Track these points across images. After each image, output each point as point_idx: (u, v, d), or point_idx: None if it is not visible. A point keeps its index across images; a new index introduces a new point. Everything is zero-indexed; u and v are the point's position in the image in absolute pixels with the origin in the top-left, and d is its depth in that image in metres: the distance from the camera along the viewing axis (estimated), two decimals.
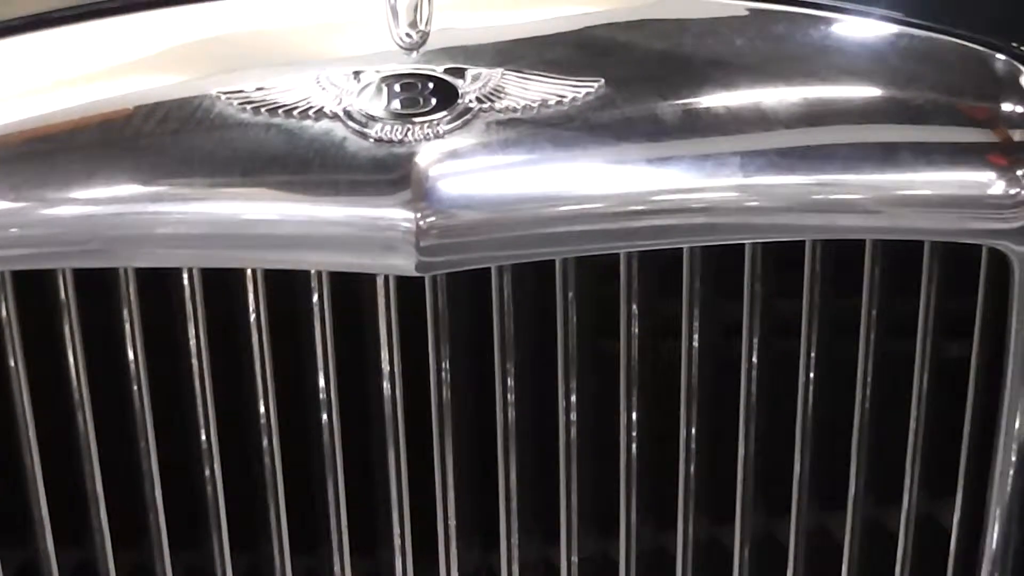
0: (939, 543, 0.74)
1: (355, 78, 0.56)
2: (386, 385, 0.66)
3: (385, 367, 0.65)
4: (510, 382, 0.66)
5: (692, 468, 0.69)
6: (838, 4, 0.66)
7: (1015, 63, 0.62)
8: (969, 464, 0.70)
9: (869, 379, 0.68)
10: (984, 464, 0.71)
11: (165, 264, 0.60)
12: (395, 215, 0.56)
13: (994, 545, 0.70)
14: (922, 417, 0.68)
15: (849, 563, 0.71)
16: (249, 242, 0.59)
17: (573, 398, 0.67)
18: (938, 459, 0.71)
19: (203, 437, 0.67)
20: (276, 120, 0.56)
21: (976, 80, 0.63)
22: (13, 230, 0.57)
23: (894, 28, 0.65)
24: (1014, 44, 0.65)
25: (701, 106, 0.58)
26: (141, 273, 0.62)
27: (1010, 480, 0.69)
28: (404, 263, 0.57)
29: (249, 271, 0.62)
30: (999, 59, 0.63)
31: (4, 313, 0.61)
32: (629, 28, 0.63)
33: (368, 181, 0.56)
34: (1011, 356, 0.64)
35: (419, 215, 0.56)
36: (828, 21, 0.64)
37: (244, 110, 0.57)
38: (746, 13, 0.64)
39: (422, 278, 0.59)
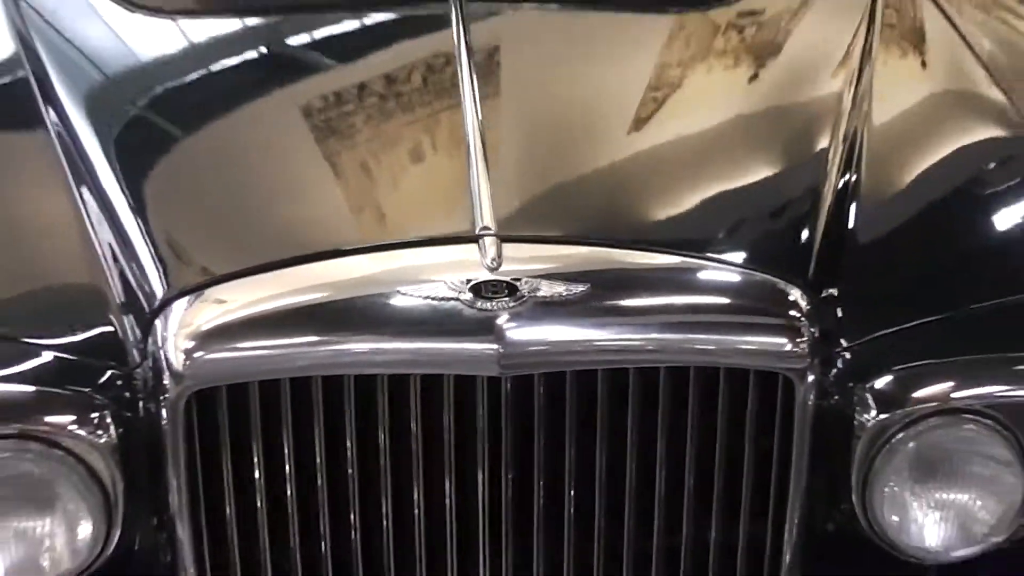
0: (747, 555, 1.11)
1: (467, 282, 1.01)
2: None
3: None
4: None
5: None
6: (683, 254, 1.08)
7: (787, 284, 1.07)
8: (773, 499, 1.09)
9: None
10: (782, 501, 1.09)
11: (366, 372, 0.99)
12: (488, 347, 0.98)
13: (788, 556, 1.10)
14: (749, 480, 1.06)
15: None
16: (412, 359, 1.00)
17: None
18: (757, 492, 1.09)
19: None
20: (430, 304, 0.99)
21: (770, 293, 1.08)
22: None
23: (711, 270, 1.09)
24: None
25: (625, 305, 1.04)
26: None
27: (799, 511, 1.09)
28: (492, 371, 0.98)
29: (413, 387, 1.00)
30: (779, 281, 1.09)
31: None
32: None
33: (474, 330, 0.99)
34: (796, 437, 1.05)
35: (500, 348, 0.98)
36: (684, 269, 1.08)
37: (410, 298, 1.00)
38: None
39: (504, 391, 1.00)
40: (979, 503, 1.07)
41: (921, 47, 1.61)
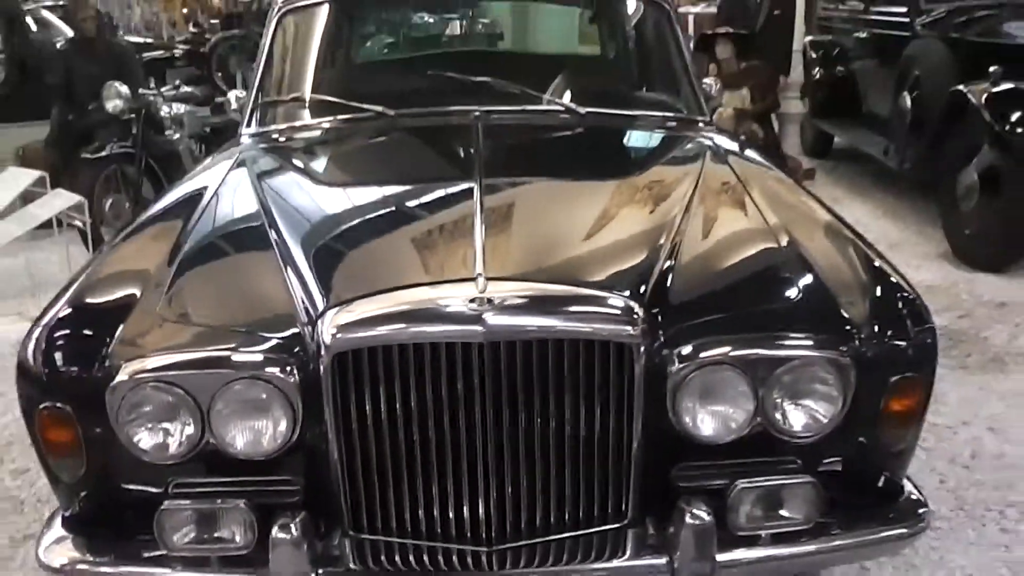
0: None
1: (470, 299, 1.82)
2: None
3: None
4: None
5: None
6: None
7: (631, 300, 1.95)
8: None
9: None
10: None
11: (420, 341, 1.81)
12: (478, 328, 1.77)
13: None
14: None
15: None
16: (444, 336, 1.79)
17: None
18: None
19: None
20: (453, 310, 1.88)
21: (623, 305, 1.95)
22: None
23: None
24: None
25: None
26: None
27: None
28: (479, 339, 1.77)
29: (441, 352, 1.82)
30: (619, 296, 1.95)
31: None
32: None
33: (472, 321, 1.78)
34: (636, 381, 1.87)
35: (482, 328, 1.77)
36: (576, 295, 1.95)
37: (445, 307, 1.87)
38: None
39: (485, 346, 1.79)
40: (731, 412, 1.91)
41: (721, 196, 2.57)
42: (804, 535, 1.96)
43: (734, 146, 3.08)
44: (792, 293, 2.09)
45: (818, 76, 7.80)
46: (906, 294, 2.11)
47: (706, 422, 1.93)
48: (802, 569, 2.15)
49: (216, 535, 1.89)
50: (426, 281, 1.99)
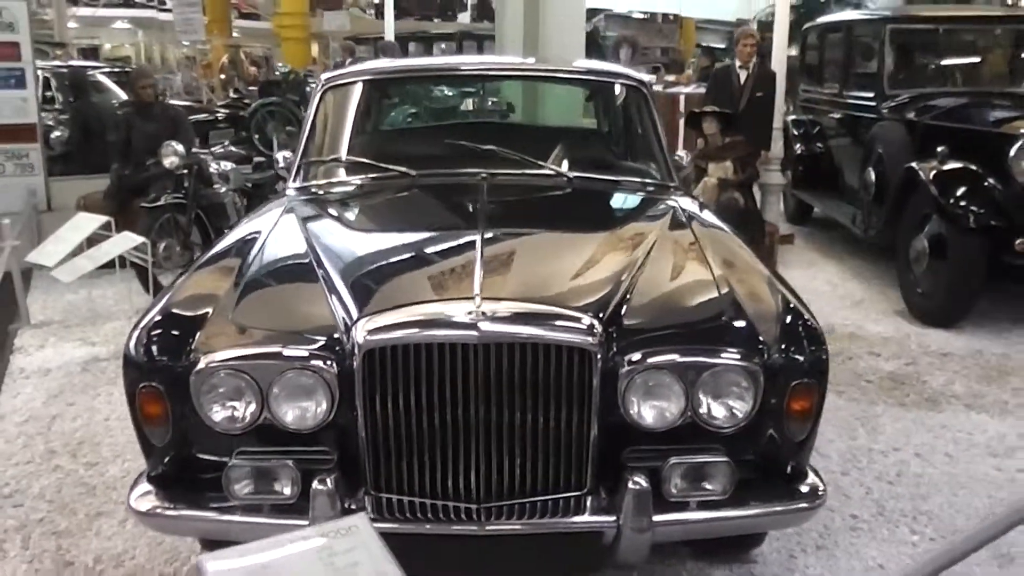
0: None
1: (469, 312, 2.35)
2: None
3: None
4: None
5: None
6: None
7: (594, 318, 2.51)
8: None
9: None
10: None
11: (430, 342, 2.34)
12: (473, 333, 2.28)
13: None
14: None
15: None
16: (447, 339, 2.30)
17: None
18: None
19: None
20: (456, 319, 2.37)
21: (585, 322, 2.49)
22: None
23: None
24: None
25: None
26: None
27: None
28: (475, 342, 2.29)
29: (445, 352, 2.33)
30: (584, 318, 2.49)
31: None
32: None
33: (470, 328, 2.29)
34: (594, 381, 2.36)
35: (477, 334, 2.29)
36: (548, 313, 2.63)
37: (451, 317, 2.37)
38: None
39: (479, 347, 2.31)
40: (667, 406, 2.41)
41: (677, 247, 3.06)
42: (724, 504, 2.45)
43: (695, 208, 3.63)
44: (721, 321, 2.59)
45: (799, 151, 8.39)
46: (808, 323, 2.63)
47: (647, 414, 2.43)
48: (723, 532, 2.64)
49: (270, 488, 2.40)
50: (435, 299, 2.52)
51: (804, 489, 2.58)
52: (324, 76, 4.22)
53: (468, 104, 5.30)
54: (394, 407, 2.41)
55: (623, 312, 2.56)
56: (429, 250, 3.01)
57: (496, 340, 2.35)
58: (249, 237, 3.19)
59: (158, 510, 2.48)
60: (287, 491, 2.39)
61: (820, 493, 2.57)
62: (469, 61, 5.20)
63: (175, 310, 2.68)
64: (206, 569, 1.79)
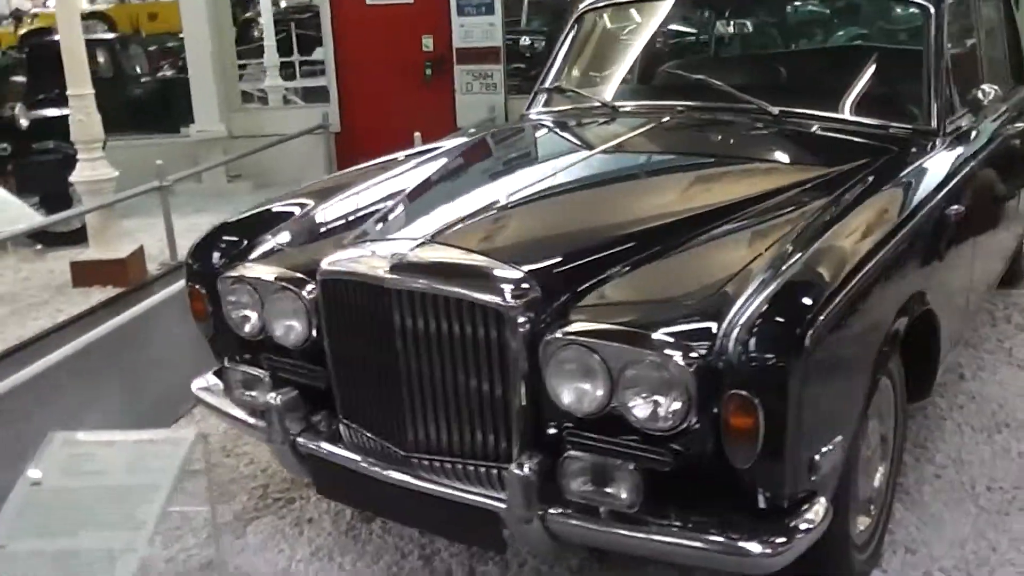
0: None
1: (397, 253, 2.24)
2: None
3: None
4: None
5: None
6: None
7: (526, 276, 2.16)
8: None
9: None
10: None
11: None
12: (391, 277, 2.15)
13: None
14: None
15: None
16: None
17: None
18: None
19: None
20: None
21: (516, 281, 2.16)
22: None
23: None
24: None
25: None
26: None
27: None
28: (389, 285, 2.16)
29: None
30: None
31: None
32: None
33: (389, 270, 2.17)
34: (513, 343, 2.04)
35: (394, 279, 2.16)
36: (487, 265, 2.19)
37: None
38: None
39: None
40: (588, 388, 2.00)
41: (775, 221, 2.46)
42: (630, 519, 2.01)
43: (930, 166, 2.86)
44: (685, 307, 2.06)
45: None
46: (784, 326, 1.96)
47: (567, 393, 2.06)
48: (629, 551, 2.16)
49: (249, 393, 2.59)
50: (399, 238, 2.39)
51: (761, 532, 1.98)
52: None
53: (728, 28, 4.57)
54: (345, 339, 2.38)
55: (586, 278, 2.20)
56: (475, 191, 2.79)
57: (408, 287, 2.20)
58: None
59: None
60: (261, 399, 2.53)
61: (779, 546, 1.96)
62: None
63: None
64: (54, 438, 2.10)
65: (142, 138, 8.38)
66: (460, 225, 2.37)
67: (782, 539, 1.93)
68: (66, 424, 2.52)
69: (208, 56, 8.17)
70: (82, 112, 5.38)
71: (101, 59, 9.60)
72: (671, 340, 1.95)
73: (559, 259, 2.26)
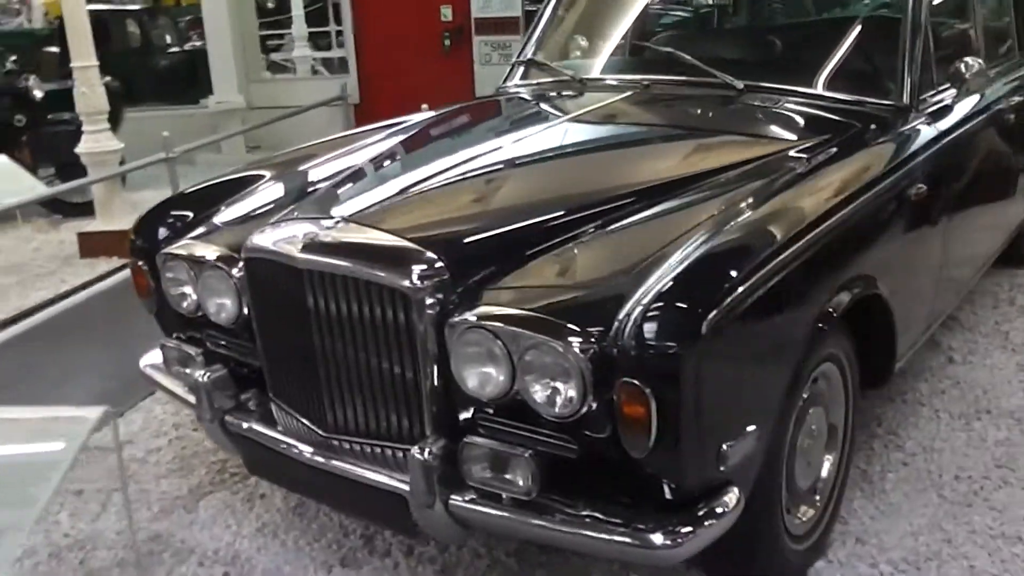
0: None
1: (308, 232, 2.23)
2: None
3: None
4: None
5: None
6: None
7: (432, 260, 2.10)
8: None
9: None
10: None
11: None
12: (301, 256, 2.12)
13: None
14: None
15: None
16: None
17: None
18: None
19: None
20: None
21: (427, 261, 2.10)
22: None
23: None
24: None
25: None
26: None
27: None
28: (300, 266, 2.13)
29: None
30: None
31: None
32: None
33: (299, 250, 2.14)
34: (421, 326, 2.01)
35: (303, 259, 2.13)
36: (404, 246, 2.13)
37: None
38: None
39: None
40: (490, 373, 1.94)
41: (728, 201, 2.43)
42: (530, 506, 1.96)
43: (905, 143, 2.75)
44: (590, 295, 1.99)
45: None
46: (683, 311, 1.87)
47: (471, 378, 2.00)
48: (532, 539, 2.11)
49: (183, 370, 2.58)
50: (319, 216, 2.34)
51: (665, 523, 1.92)
52: None
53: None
54: (269, 319, 2.36)
55: (514, 263, 2.12)
56: (414, 170, 2.68)
57: (319, 269, 2.16)
58: None
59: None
60: (192, 377, 2.53)
61: (682, 536, 1.90)
62: None
63: None
64: None
65: (161, 109, 8.43)
66: (382, 204, 2.31)
67: (687, 528, 1.87)
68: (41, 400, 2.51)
69: (227, 27, 8.18)
70: (86, 84, 5.41)
71: (131, 29, 9.65)
72: (570, 325, 1.88)
73: (475, 240, 2.20)
